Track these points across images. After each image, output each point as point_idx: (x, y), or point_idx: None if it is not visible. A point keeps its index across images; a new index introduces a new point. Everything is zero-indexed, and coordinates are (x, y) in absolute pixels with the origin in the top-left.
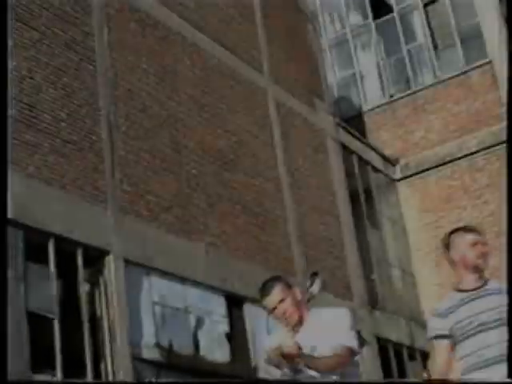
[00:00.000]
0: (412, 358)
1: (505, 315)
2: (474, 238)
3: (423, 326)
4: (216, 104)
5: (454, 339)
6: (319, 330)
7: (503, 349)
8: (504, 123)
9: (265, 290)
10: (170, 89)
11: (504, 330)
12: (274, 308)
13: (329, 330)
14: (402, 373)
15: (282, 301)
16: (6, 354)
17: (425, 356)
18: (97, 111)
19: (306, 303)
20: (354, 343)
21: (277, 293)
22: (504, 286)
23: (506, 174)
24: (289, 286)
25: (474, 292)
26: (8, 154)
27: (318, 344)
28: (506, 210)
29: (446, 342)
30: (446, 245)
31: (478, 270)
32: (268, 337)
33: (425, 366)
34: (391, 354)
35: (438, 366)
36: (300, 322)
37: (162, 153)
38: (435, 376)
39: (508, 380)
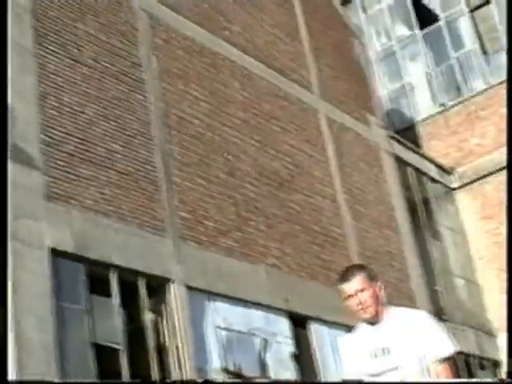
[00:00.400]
0: (482, 367)
1: None
2: None
3: (491, 334)
4: (268, 126)
5: None
6: (399, 331)
7: None
8: None
9: (345, 275)
10: (221, 114)
11: None
12: (350, 296)
13: (412, 332)
14: None
15: (362, 290)
16: (6, 355)
17: (495, 365)
18: (150, 141)
19: (384, 301)
20: (455, 346)
21: (358, 281)
22: None
23: (506, 182)
24: (372, 278)
25: None
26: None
27: (394, 347)
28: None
29: None
30: None
31: None
32: (341, 338)
33: (495, 375)
34: (461, 365)
35: None
36: (376, 317)
37: (217, 178)
38: None
39: (508, 380)
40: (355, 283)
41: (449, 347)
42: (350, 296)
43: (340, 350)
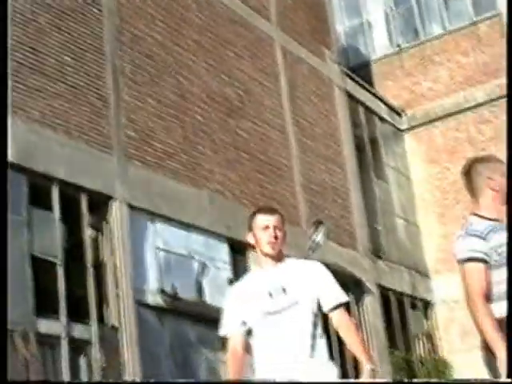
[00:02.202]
0: (414, 307)
1: None
2: (504, 168)
3: (425, 275)
4: (223, 51)
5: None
6: (296, 273)
7: None
8: None
9: (268, 209)
10: (176, 35)
11: None
12: (267, 227)
13: (310, 279)
14: (404, 321)
15: (279, 228)
16: (6, 354)
17: (426, 305)
18: (102, 56)
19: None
20: (346, 297)
21: (279, 218)
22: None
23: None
24: (284, 224)
25: (497, 223)
26: (8, 99)
27: (291, 286)
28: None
29: (483, 265)
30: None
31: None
32: (231, 287)
33: (426, 315)
34: (393, 302)
35: (474, 288)
36: (277, 257)
37: (167, 99)
38: (472, 296)
39: (508, 380)
40: (276, 218)
41: (343, 295)
42: (266, 227)
43: (227, 298)
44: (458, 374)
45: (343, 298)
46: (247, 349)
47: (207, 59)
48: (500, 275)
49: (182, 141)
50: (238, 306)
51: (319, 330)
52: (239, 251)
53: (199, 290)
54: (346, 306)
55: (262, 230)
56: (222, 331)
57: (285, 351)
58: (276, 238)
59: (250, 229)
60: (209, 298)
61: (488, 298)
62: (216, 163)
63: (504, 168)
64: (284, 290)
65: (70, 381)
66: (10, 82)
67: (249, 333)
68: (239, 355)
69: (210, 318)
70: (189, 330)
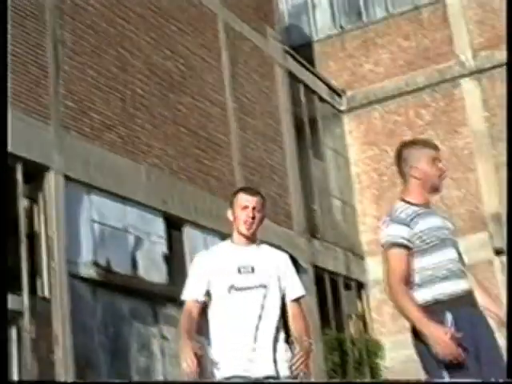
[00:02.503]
0: (347, 287)
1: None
2: (435, 154)
3: (360, 257)
4: (165, 25)
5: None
6: (265, 256)
7: (460, 265)
8: (451, 62)
9: (252, 189)
10: (119, 6)
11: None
12: (246, 207)
13: (278, 267)
14: (337, 302)
15: (258, 210)
16: (6, 353)
17: (360, 286)
18: (42, 24)
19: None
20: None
21: (260, 200)
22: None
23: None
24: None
25: (423, 209)
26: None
27: (260, 267)
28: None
29: (406, 251)
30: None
31: (433, 189)
32: (199, 255)
33: (359, 296)
34: (327, 282)
35: (395, 273)
36: (251, 238)
37: (107, 71)
38: (392, 281)
39: (508, 380)
40: (257, 200)
41: (302, 289)
42: (245, 207)
43: (194, 264)
44: (388, 355)
45: (303, 291)
46: (201, 322)
47: (149, 32)
48: (423, 261)
49: (121, 113)
50: (205, 275)
51: (281, 322)
52: (175, 226)
53: (133, 263)
54: None
55: (241, 209)
56: (184, 295)
57: (245, 333)
58: (253, 218)
59: (231, 206)
60: (143, 272)
61: (409, 283)
62: (154, 137)
63: (432, 153)
64: (253, 269)
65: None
66: None
67: (208, 306)
68: (193, 318)
69: (143, 292)
70: (122, 304)
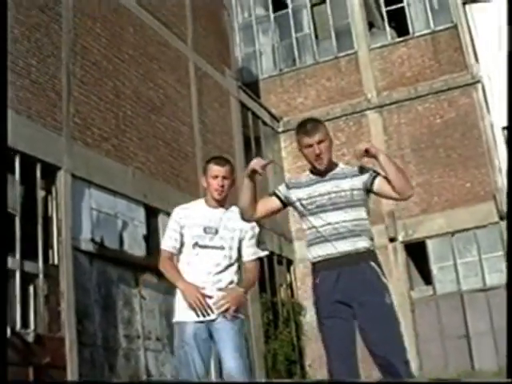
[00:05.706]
0: (280, 263)
1: (343, 199)
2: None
3: (289, 240)
4: (149, 64)
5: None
6: (230, 220)
7: (339, 228)
8: (361, 98)
9: (221, 160)
10: (116, 49)
11: (340, 213)
12: (217, 176)
13: (240, 229)
14: (272, 273)
15: (227, 178)
16: (6, 353)
17: (289, 262)
18: (59, 61)
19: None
20: (264, 252)
21: (229, 169)
22: (355, 168)
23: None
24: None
25: (320, 176)
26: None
27: (222, 230)
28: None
29: (275, 199)
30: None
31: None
32: (179, 207)
33: (288, 270)
34: (264, 259)
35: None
36: (223, 204)
37: (106, 97)
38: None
39: (508, 380)
40: (226, 169)
41: (258, 253)
42: (216, 176)
43: (171, 218)
44: (308, 314)
45: (262, 253)
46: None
47: (138, 69)
48: (306, 224)
49: (115, 128)
50: (179, 227)
51: (238, 278)
52: (152, 214)
53: (121, 241)
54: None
55: (213, 178)
56: (162, 245)
57: (203, 285)
58: (222, 186)
59: (204, 173)
60: (127, 247)
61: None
62: (139, 147)
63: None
64: (217, 231)
65: (76, 380)
66: None
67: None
68: (173, 263)
69: (127, 263)
70: (111, 271)
